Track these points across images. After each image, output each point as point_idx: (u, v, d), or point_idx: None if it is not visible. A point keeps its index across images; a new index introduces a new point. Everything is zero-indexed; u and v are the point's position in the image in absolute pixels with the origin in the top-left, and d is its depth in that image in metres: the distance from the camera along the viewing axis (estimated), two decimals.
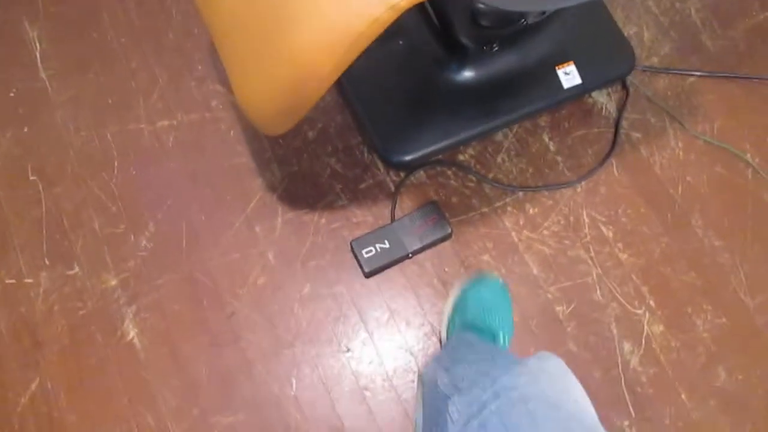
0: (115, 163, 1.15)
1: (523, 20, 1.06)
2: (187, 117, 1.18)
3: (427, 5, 1.07)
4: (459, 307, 1.02)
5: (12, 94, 1.20)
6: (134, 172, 1.15)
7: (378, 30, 0.70)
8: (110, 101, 1.20)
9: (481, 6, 0.98)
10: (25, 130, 1.18)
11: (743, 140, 1.18)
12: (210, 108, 1.19)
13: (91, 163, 1.15)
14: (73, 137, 1.17)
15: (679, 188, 1.15)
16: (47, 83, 1.21)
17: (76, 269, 1.08)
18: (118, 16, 1.26)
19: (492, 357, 0.77)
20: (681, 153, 1.17)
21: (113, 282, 1.08)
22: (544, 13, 0.98)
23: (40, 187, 1.14)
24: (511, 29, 1.07)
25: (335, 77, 0.76)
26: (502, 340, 0.96)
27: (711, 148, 1.17)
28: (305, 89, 0.78)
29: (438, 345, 1.06)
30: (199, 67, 1.22)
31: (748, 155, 1.17)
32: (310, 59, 0.73)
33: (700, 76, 1.22)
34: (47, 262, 1.09)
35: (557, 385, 0.63)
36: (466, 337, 0.91)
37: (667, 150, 1.17)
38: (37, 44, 1.24)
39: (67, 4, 1.27)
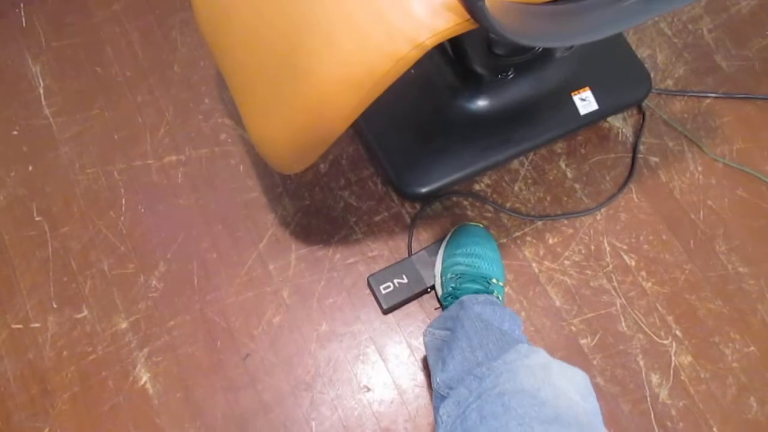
0: (123, 201, 1.13)
1: (538, 48, 1.04)
2: (195, 152, 1.16)
3: None
4: (448, 262, 1.02)
5: (15, 133, 1.17)
6: (143, 210, 1.12)
7: (403, 69, 0.68)
8: (116, 137, 1.17)
9: (494, 35, 0.96)
10: (30, 169, 1.15)
11: (764, 162, 1.16)
12: (219, 142, 1.16)
13: (98, 201, 1.12)
14: (79, 175, 1.14)
15: (701, 213, 1.12)
16: (51, 120, 1.18)
17: (85, 312, 1.05)
18: (122, 50, 1.24)
19: (484, 342, 0.83)
20: (701, 177, 1.15)
21: (124, 325, 1.04)
22: (572, 47, 0.96)
23: (46, 228, 1.10)
24: (526, 57, 1.05)
25: (356, 116, 0.73)
26: (495, 284, 0.99)
27: (731, 171, 1.15)
28: (325, 128, 0.75)
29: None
30: (207, 101, 1.20)
31: None
32: (331, 98, 0.71)
33: (716, 97, 1.20)
34: (55, 305, 1.06)
35: (536, 378, 0.69)
36: (463, 314, 0.90)
37: (687, 174, 1.15)
38: (40, 80, 1.21)
39: (70, 38, 1.25)
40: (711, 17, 1.27)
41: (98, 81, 1.21)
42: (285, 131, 0.78)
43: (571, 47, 0.97)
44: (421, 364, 1.03)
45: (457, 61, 1.07)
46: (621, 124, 1.18)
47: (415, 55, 0.66)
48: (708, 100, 1.20)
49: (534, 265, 1.09)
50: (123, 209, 1.12)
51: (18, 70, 1.22)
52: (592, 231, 1.11)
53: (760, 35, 1.26)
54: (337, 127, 0.74)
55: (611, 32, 0.71)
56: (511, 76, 1.07)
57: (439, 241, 1.08)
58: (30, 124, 1.18)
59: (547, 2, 0.69)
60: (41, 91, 1.21)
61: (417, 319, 1.06)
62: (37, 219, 1.11)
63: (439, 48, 1.09)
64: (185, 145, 1.16)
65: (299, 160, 0.83)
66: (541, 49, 1.05)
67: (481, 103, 1.10)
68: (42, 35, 1.25)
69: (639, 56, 1.20)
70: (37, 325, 1.04)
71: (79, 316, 1.05)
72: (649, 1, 0.70)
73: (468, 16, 0.61)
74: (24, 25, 1.26)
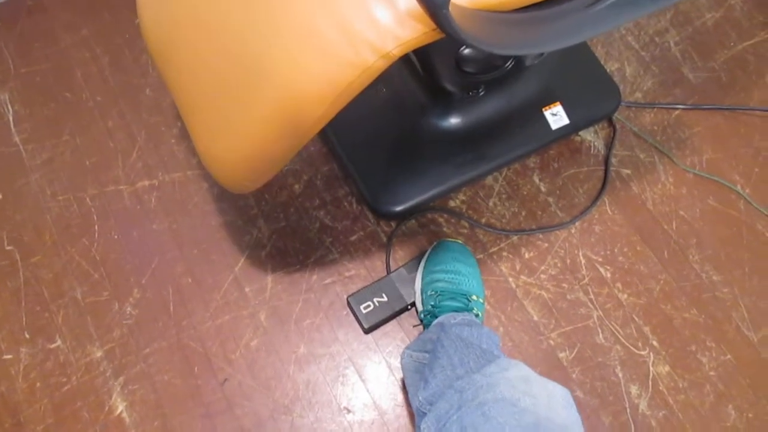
0: (96, 228, 1.11)
1: (507, 64, 1.05)
2: (168, 176, 1.15)
3: (410, 53, 1.05)
4: (427, 279, 1.03)
5: None
6: (116, 236, 1.11)
7: (369, 79, 0.67)
8: (88, 163, 1.16)
9: (466, 53, 0.97)
10: (0, 197, 1.13)
11: (732, 171, 1.18)
12: (192, 166, 1.16)
13: (70, 228, 1.11)
14: (50, 203, 1.13)
15: (673, 223, 1.13)
16: (21, 147, 1.17)
17: (58, 342, 1.03)
18: (92, 74, 1.23)
19: (465, 360, 0.82)
20: (672, 187, 1.16)
21: (98, 354, 1.03)
22: (542, 54, 0.97)
23: (18, 257, 1.09)
24: (495, 74, 1.05)
25: (320, 127, 0.71)
26: (475, 300, 0.99)
27: (701, 181, 1.17)
28: (286, 141, 0.73)
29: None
30: (179, 124, 1.19)
31: (739, 186, 1.16)
32: (292, 110, 0.68)
33: (684, 108, 1.22)
34: (27, 336, 1.04)
35: (517, 389, 0.69)
36: (443, 335, 0.89)
37: (658, 185, 1.16)
38: (9, 107, 1.20)
39: (39, 64, 1.24)
40: (677, 30, 1.30)
41: (68, 106, 1.20)
42: (240, 147, 0.75)
43: (542, 55, 0.97)
44: (400, 384, 1.03)
45: (427, 79, 1.07)
46: (593, 138, 1.20)
47: (381, 65, 0.65)
48: (677, 112, 1.22)
49: (511, 280, 1.09)
50: (96, 236, 1.11)
51: None
52: (567, 244, 1.12)
53: (724, 47, 1.28)
54: (298, 140, 0.73)
55: (580, 39, 0.72)
56: (482, 93, 1.08)
57: (418, 258, 1.08)
58: None
59: (515, 10, 0.69)
60: (10, 117, 1.19)
61: (396, 338, 1.05)
62: (7, 248, 1.09)
63: (409, 66, 1.10)
64: (158, 170, 1.15)
65: (254, 178, 0.81)
66: (510, 66, 1.06)
67: (453, 121, 1.10)
68: (10, 61, 1.24)
69: (608, 70, 1.21)
70: (9, 356, 1.02)
71: (53, 346, 1.03)
72: (616, 7, 0.70)
73: (434, 26, 0.60)
74: None
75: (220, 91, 0.73)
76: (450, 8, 0.55)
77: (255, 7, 0.68)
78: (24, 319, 1.05)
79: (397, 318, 1.06)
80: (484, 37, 0.64)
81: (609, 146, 1.18)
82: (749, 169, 1.18)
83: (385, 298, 1.05)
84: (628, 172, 1.17)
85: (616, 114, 1.19)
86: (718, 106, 1.22)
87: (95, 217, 1.12)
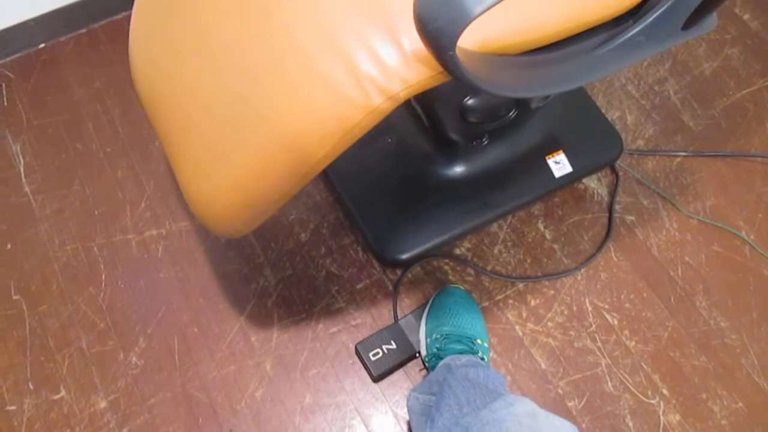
0: (103, 277, 1.12)
1: (511, 114, 1.07)
2: (176, 225, 1.16)
3: (414, 103, 1.08)
4: (431, 324, 1.02)
5: None
6: (123, 285, 1.11)
7: (375, 120, 0.67)
8: (96, 213, 1.17)
9: (470, 103, 0.99)
10: (8, 246, 1.14)
11: (736, 217, 1.18)
12: None
13: (77, 278, 1.11)
14: (59, 252, 1.14)
15: (679, 269, 1.13)
16: (31, 197, 1.18)
17: (63, 393, 1.03)
18: (103, 126, 1.25)
19: (472, 399, 0.82)
20: (676, 234, 1.16)
21: (102, 404, 1.02)
22: (548, 97, 0.99)
23: (24, 306, 1.09)
24: (499, 123, 1.07)
25: (322, 168, 0.70)
26: (480, 344, 0.99)
27: (706, 227, 1.17)
28: (287, 181, 0.71)
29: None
30: None
31: (743, 232, 1.17)
32: (298, 149, 0.68)
33: (686, 155, 1.24)
34: (31, 386, 1.03)
35: (522, 425, 0.68)
36: (450, 376, 0.88)
37: (663, 231, 1.17)
38: (21, 158, 1.22)
39: (52, 116, 1.26)
40: (676, 79, 1.32)
41: (79, 157, 1.22)
42: (237, 188, 0.74)
43: (548, 97, 0.99)
44: None
45: (432, 130, 1.09)
46: (596, 185, 1.21)
47: (388, 107, 0.65)
48: (679, 159, 1.24)
49: (517, 327, 1.09)
50: (103, 285, 1.11)
51: None
52: (573, 291, 1.12)
53: (723, 95, 1.31)
54: (299, 181, 0.71)
55: (586, 81, 0.73)
56: (486, 142, 1.10)
57: (424, 305, 1.08)
58: (9, 201, 1.18)
59: (522, 53, 0.70)
60: (21, 168, 1.21)
61: (402, 387, 1.04)
62: (15, 297, 1.10)
63: (415, 116, 1.12)
64: (165, 219, 1.16)
65: (249, 221, 0.79)
66: (513, 115, 1.08)
67: (458, 169, 1.12)
68: (23, 114, 1.27)
69: (609, 118, 1.23)
70: (12, 407, 1.02)
71: (57, 396, 1.03)
72: (620, 49, 0.72)
73: (441, 68, 0.61)
74: (5, 103, 1.28)
75: (216, 132, 0.72)
76: (456, 51, 0.56)
77: (258, 48, 0.69)
78: (29, 369, 1.04)
79: (404, 367, 1.06)
80: (492, 80, 0.65)
81: (612, 193, 1.19)
82: (753, 214, 1.18)
83: (394, 346, 1.05)
84: (632, 218, 1.18)
85: (618, 161, 1.21)
86: (720, 152, 1.24)
87: (102, 267, 1.13)
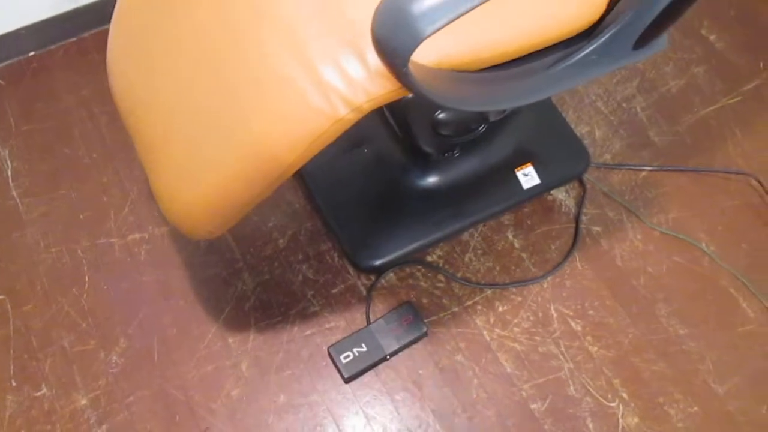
0: (86, 279, 1.15)
1: (481, 127, 1.12)
2: (158, 229, 1.20)
3: (389, 116, 1.13)
4: None
5: None
6: (105, 287, 1.15)
7: (340, 130, 0.71)
8: (81, 216, 1.21)
9: (441, 117, 1.04)
10: None
11: (697, 229, 1.23)
12: None
13: (61, 279, 1.15)
14: (44, 254, 1.17)
15: (641, 279, 1.18)
16: (18, 201, 1.22)
17: (44, 390, 1.06)
18: (89, 132, 1.29)
19: None
20: (640, 244, 1.22)
21: (83, 401, 1.06)
22: (504, 111, 1.03)
23: (9, 306, 1.13)
24: (470, 136, 1.12)
25: (290, 173, 0.75)
26: None
27: (668, 239, 1.22)
28: (257, 186, 0.76)
29: None
30: None
31: (704, 244, 1.22)
32: (267, 155, 0.72)
33: (651, 170, 1.29)
34: (14, 384, 1.07)
35: None
36: None
37: (627, 242, 1.22)
38: (9, 163, 1.26)
39: (39, 122, 1.30)
40: (643, 96, 1.38)
41: (66, 162, 1.26)
42: (210, 193, 0.78)
43: (505, 111, 1.04)
44: None
45: (405, 141, 1.14)
46: (564, 197, 1.26)
47: (353, 117, 0.70)
48: (644, 173, 1.29)
49: (485, 332, 1.13)
50: (86, 286, 1.15)
51: None
52: (539, 299, 1.16)
53: (688, 112, 1.36)
54: (268, 185, 0.75)
55: (540, 98, 0.78)
56: (457, 154, 1.15)
57: (396, 310, 1.12)
58: None
59: (478, 70, 0.75)
60: (9, 173, 1.25)
61: (373, 388, 1.08)
62: (0, 297, 1.13)
63: (390, 129, 1.16)
64: (149, 223, 1.20)
65: (220, 223, 0.83)
66: (483, 129, 1.13)
67: (431, 180, 1.17)
68: (12, 119, 1.31)
69: (578, 133, 1.29)
70: None
71: (38, 394, 1.06)
72: (573, 68, 0.77)
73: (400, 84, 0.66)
74: None
75: (190, 141, 0.77)
76: (412, 67, 0.60)
77: (231, 61, 0.74)
78: (12, 367, 1.08)
79: (375, 369, 1.10)
80: (447, 95, 0.70)
81: (579, 205, 1.24)
82: (713, 227, 1.24)
83: (365, 348, 1.09)
84: (598, 229, 1.23)
85: (586, 174, 1.26)
86: (683, 167, 1.29)
87: (86, 269, 1.16)
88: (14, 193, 1.23)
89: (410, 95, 0.69)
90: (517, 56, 0.75)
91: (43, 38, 1.39)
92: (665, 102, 1.37)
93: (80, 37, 1.41)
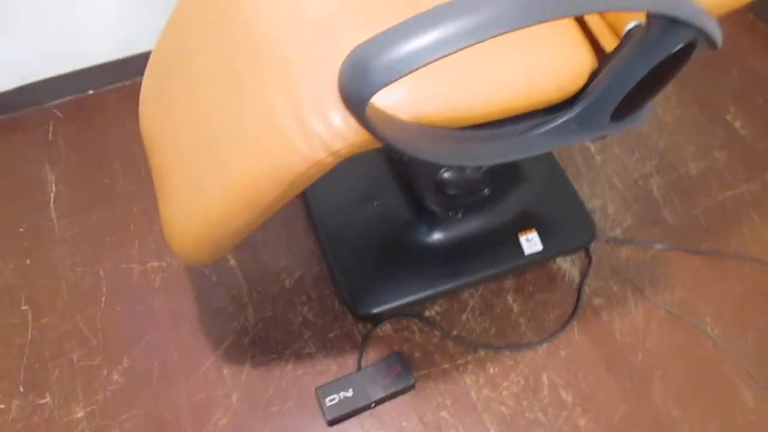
0: (103, 299, 1.23)
1: (485, 190, 1.16)
2: (175, 260, 1.27)
3: (396, 174, 1.18)
4: None
5: (21, 230, 1.31)
6: (119, 309, 1.22)
7: (320, 172, 0.76)
8: (108, 240, 1.30)
9: (445, 176, 1.09)
10: (27, 262, 1.27)
11: (703, 312, 1.22)
12: None
13: (81, 297, 1.23)
14: (69, 272, 1.26)
15: (639, 355, 1.17)
16: (55, 221, 1.32)
17: (48, 399, 1.13)
18: (128, 166, 1.40)
19: None
20: (642, 321, 1.21)
21: (80, 414, 1.11)
22: (480, 167, 1.07)
23: (30, 317, 1.21)
24: (474, 198, 1.16)
25: (276, 208, 0.80)
26: None
27: (672, 318, 1.21)
28: (244, 217, 0.81)
29: None
30: None
31: (708, 327, 1.20)
32: (253, 190, 0.78)
33: (661, 248, 1.29)
34: (21, 389, 1.14)
35: None
36: None
37: (628, 317, 1.21)
38: (53, 186, 1.37)
39: (86, 153, 1.42)
40: (661, 176, 1.39)
41: (103, 191, 1.37)
42: (203, 222, 0.84)
43: (480, 168, 1.07)
44: None
45: (412, 198, 1.19)
46: (569, 266, 1.27)
47: (331, 161, 0.75)
48: (653, 250, 1.29)
49: (473, 392, 1.14)
50: (102, 306, 1.22)
51: (36, 176, 1.39)
52: (532, 364, 1.16)
53: (707, 195, 1.36)
54: (254, 218, 0.80)
55: (512, 159, 0.82)
56: (461, 215, 1.18)
57: (386, 360, 1.14)
58: (36, 223, 1.32)
59: (454, 129, 0.79)
60: (52, 195, 1.36)
61: None
62: (23, 308, 1.22)
63: (399, 185, 1.22)
64: (167, 254, 1.28)
65: (211, 251, 0.88)
66: (488, 193, 1.17)
67: (435, 236, 1.20)
68: (63, 149, 1.43)
69: (591, 206, 1.31)
70: (2, 406, 1.12)
71: (42, 401, 1.12)
72: (546, 135, 0.81)
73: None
74: (50, 138, 1.45)
75: (192, 171, 0.84)
76: (387, 117, 0.66)
77: (231, 103, 0.81)
78: (23, 373, 1.15)
79: (359, 416, 1.11)
80: (423, 147, 0.75)
81: (584, 276, 1.25)
82: (720, 311, 1.22)
83: (351, 394, 1.11)
84: (600, 301, 1.23)
85: (594, 246, 1.27)
86: (695, 249, 1.29)
87: (104, 289, 1.24)
88: (53, 214, 1.34)
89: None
90: (494, 120, 0.79)
91: (102, 79, 1.53)
92: (683, 183, 1.38)
93: (134, 81, 1.54)
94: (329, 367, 1.16)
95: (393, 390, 1.12)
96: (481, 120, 0.79)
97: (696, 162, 1.41)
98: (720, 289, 1.24)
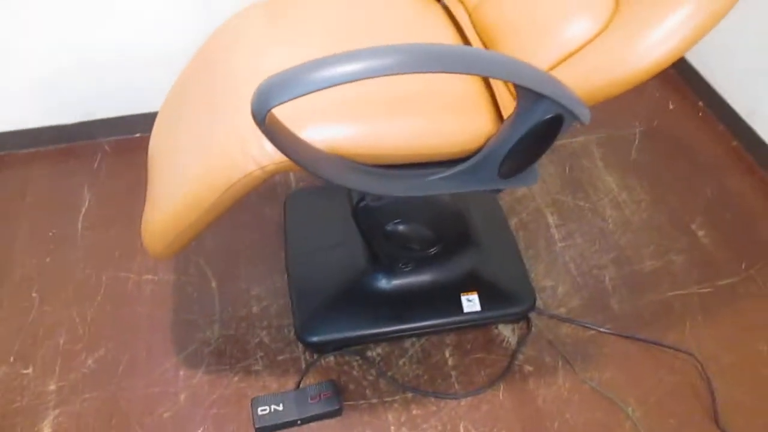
0: (99, 298, 1.43)
1: (432, 249, 1.31)
2: (166, 276, 1.47)
3: (356, 223, 1.35)
4: None
5: (51, 234, 1.56)
6: (109, 308, 1.41)
7: (251, 183, 0.94)
8: (117, 253, 1.52)
9: (389, 229, 1.25)
10: (47, 260, 1.50)
11: (628, 395, 1.27)
12: (186, 273, 1.47)
13: (81, 294, 1.44)
14: (79, 274, 1.48)
15: (556, 423, 1.23)
16: (79, 232, 1.56)
17: (30, 370, 1.31)
18: None
19: None
20: (566, 392, 1.28)
21: (52, 387, 1.28)
22: (380, 198, 1.18)
23: (36, 303, 1.42)
24: (421, 254, 1.31)
25: (217, 211, 0.98)
26: None
27: (595, 394, 1.27)
28: (193, 214, 1.00)
29: None
30: (193, 244, 1.53)
31: (630, 408, 1.25)
32: (197, 194, 0.97)
33: (600, 331, 1.37)
34: (12, 359, 1.33)
35: None
36: None
37: (554, 387, 1.28)
38: (87, 203, 1.62)
39: (121, 181, 1.68)
40: (615, 268, 1.48)
41: (125, 210, 1.60)
42: (164, 219, 1.04)
43: (380, 198, 1.18)
44: None
45: (369, 247, 1.35)
46: (509, 333, 1.37)
47: (260, 175, 0.94)
48: (592, 332, 1.37)
49: (393, 428, 1.23)
50: (96, 304, 1.42)
51: (75, 194, 1.65)
52: (453, 413, 1.25)
53: (656, 291, 1.44)
54: (197, 220, 1.00)
55: (411, 195, 0.98)
56: (409, 268, 1.33)
57: (320, 384, 1.26)
58: (64, 230, 1.56)
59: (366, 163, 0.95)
60: (83, 210, 1.61)
61: None
62: (33, 295, 1.44)
63: (360, 234, 1.38)
64: (162, 270, 1.48)
65: (168, 244, 1.07)
66: (435, 251, 1.31)
67: (386, 283, 1.35)
68: (103, 176, 1.69)
69: (542, 284, 1.42)
70: None
71: (25, 371, 1.31)
72: (443, 181, 0.96)
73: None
74: (95, 167, 1.72)
75: (162, 179, 1.06)
76: (283, 136, 0.84)
77: (201, 125, 1.03)
78: (17, 346, 1.35)
79: (287, 430, 1.23)
80: (326, 169, 0.92)
81: (520, 343, 1.34)
82: (646, 396, 1.27)
83: (282, 408, 1.23)
84: (531, 369, 1.31)
85: (536, 320, 1.37)
86: (633, 335, 1.36)
87: (102, 291, 1.44)
88: (80, 225, 1.58)
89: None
90: (397, 163, 0.96)
91: (150, 125, 1.81)
92: (635, 277, 1.47)
93: None
94: (271, 385, 1.29)
95: (320, 411, 1.23)
96: (389, 161, 0.96)
97: (652, 260, 1.50)
98: (650, 375, 1.30)
